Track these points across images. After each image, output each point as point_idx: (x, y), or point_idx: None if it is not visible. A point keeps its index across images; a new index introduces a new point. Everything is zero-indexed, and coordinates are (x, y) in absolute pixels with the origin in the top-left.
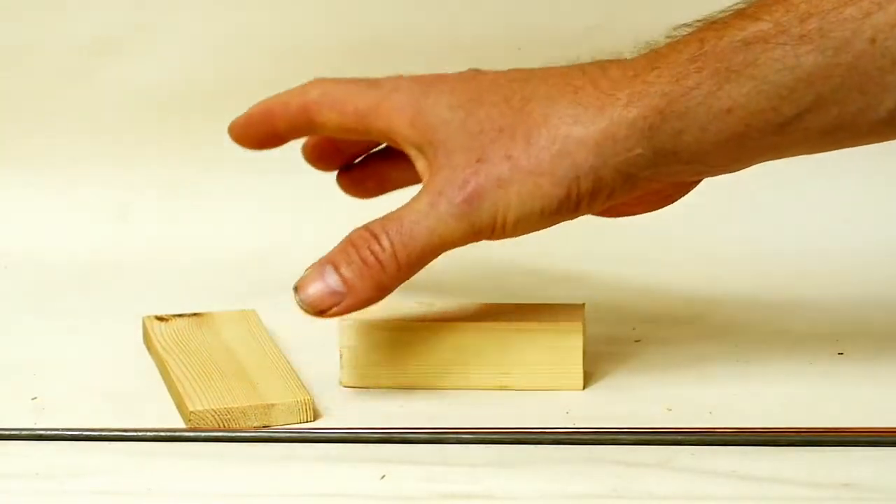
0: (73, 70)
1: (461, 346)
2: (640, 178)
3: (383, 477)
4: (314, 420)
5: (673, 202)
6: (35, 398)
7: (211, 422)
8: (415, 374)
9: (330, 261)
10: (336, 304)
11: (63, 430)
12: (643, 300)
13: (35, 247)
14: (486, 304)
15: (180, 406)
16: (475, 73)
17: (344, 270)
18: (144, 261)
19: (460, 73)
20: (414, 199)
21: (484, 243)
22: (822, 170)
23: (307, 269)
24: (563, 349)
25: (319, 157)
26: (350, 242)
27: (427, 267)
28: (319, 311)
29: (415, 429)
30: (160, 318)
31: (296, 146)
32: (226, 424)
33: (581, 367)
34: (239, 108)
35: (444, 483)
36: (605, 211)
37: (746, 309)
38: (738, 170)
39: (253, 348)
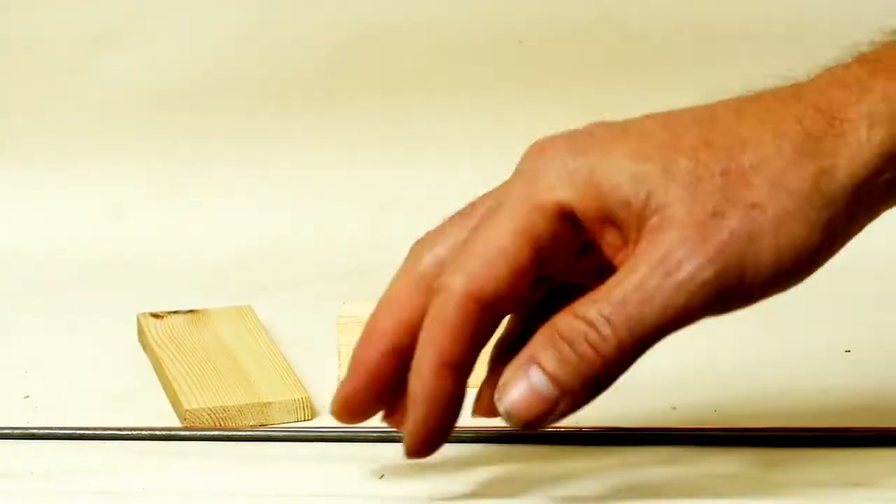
0: (67, 65)
1: None
2: (882, 207)
3: (382, 476)
4: (312, 418)
5: None
6: (28, 396)
7: (207, 420)
8: None
9: (532, 359)
10: (550, 412)
11: (57, 428)
12: None
13: (28, 243)
14: None
15: (175, 404)
16: (615, 124)
17: (555, 370)
18: (139, 257)
19: (592, 130)
20: (629, 271)
21: None
22: None
23: (504, 375)
24: None
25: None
26: (558, 336)
27: None
28: (532, 422)
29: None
30: (155, 315)
31: (279, 141)
32: (222, 423)
33: None
34: (237, 104)
35: (444, 483)
36: None
37: (752, 307)
38: None
39: (249, 345)
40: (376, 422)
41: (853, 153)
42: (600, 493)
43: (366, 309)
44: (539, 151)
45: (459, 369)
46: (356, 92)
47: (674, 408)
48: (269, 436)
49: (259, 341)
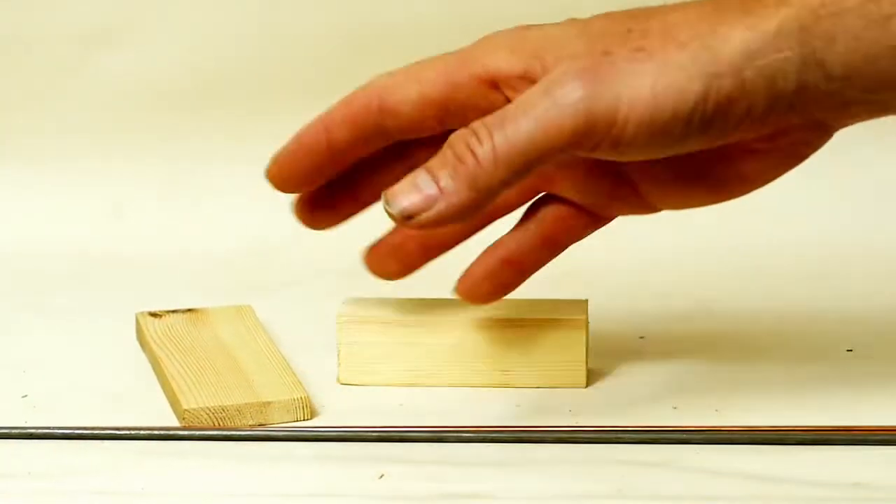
0: (66, 63)
1: (461, 342)
2: (781, 97)
3: (382, 476)
4: (311, 418)
5: (799, 162)
6: (26, 396)
7: (205, 420)
8: (414, 371)
9: (425, 167)
10: (427, 209)
11: (55, 428)
12: (648, 296)
13: (27, 242)
14: None
15: (174, 404)
16: (575, 20)
17: (437, 171)
18: (138, 256)
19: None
20: (524, 93)
21: None
22: (831, 162)
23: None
24: (567, 346)
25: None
26: (447, 144)
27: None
28: (408, 216)
29: (414, 428)
30: (154, 314)
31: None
32: (221, 423)
33: (584, 363)
34: (236, 103)
35: (444, 482)
36: (734, 155)
37: (754, 304)
38: (879, 112)
39: (248, 345)
40: (375, 421)
41: (753, 22)
42: (602, 493)
43: (365, 308)
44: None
45: (332, 136)
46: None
47: (675, 407)
48: (268, 435)
49: (258, 340)
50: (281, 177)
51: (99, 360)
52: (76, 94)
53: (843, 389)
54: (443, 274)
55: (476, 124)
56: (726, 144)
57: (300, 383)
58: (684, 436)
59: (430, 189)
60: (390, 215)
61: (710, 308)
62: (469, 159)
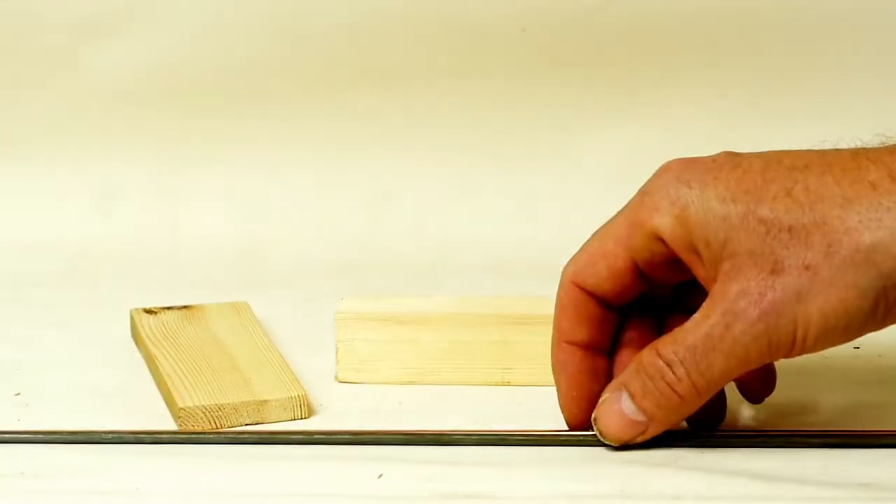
0: (56, 55)
1: (461, 340)
2: None
3: (380, 476)
4: (309, 417)
5: None
6: (18, 394)
7: (201, 419)
8: (413, 369)
9: (624, 386)
10: (639, 434)
11: (49, 432)
12: None
13: (17, 238)
14: (488, 297)
15: (170, 402)
16: (733, 157)
17: (641, 400)
18: (132, 252)
19: (714, 158)
20: (703, 316)
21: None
22: None
23: (603, 396)
24: None
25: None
26: (643, 370)
27: (425, 253)
28: (623, 442)
29: (414, 432)
30: (148, 311)
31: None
32: (217, 421)
33: None
34: (234, 98)
35: (444, 482)
36: None
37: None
38: None
39: (245, 342)
40: (374, 420)
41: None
42: (604, 492)
43: (363, 305)
44: (659, 173)
45: (577, 343)
46: (354, 84)
47: None
48: (264, 434)
49: (255, 338)
50: (583, 411)
51: (93, 358)
52: (66, 88)
53: (849, 389)
54: (441, 272)
55: (670, 357)
56: None
57: (297, 381)
58: (688, 435)
59: (640, 418)
60: (601, 437)
61: None
62: (670, 394)
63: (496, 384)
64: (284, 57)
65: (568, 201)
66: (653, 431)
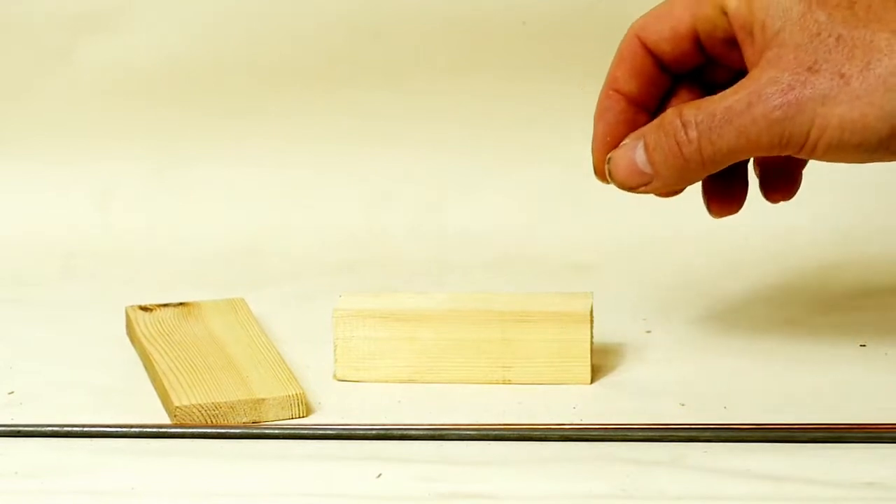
0: (52, 49)
1: (461, 337)
2: None
3: (379, 475)
4: (306, 415)
5: None
6: (12, 392)
7: (198, 417)
8: (412, 367)
9: (643, 136)
10: (643, 185)
11: (43, 426)
12: (654, 290)
13: (12, 234)
14: (488, 293)
15: (165, 401)
16: None
17: (652, 153)
18: (127, 248)
19: None
20: (732, 91)
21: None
22: None
23: (624, 141)
24: (570, 341)
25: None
26: (662, 125)
27: (424, 250)
28: (628, 188)
29: (413, 425)
30: (144, 308)
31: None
32: (213, 420)
33: (589, 359)
34: (231, 93)
35: (444, 482)
36: None
37: (763, 299)
38: None
39: (242, 339)
40: (372, 419)
41: None
42: (606, 492)
43: (362, 302)
44: None
45: (625, 94)
46: (353, 80)
47: (682, 404)
48: (262, 433)
49: (252, 335)
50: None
51: (87, 356)
52: (62, 83)
53: (855, 386)
54: (441, 269)
55: (689, 117)
56: None
57: (295, 379)
58: (691, 433)
59: (647, 169)
60: (610, 178)
61: (717, 302)
62: (677, 152)
63: (496, 382)
64: (283, 53)
65: (568, 198)
66: (656, 186)
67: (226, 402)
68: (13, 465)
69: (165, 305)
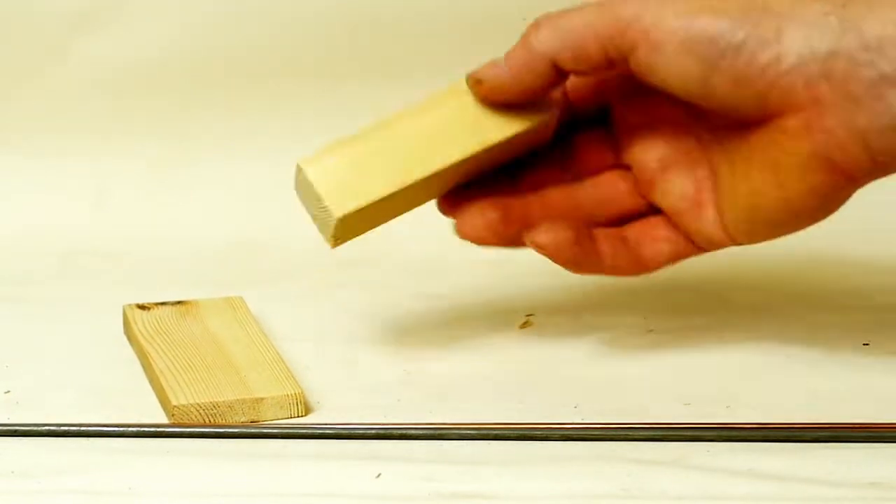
0: (47, 46)
1: (430, 126)
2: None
3: (379, 475)
4: (305, 415)
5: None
6: (8, 392)
7: (195, 417)
8: (397, 167)
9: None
10: (496, 78)
11: (39, 425)
12: (656, 288)
13: (7, 232)
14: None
15: (163, 400)
16: None
17: (508, 52)
18: (125, 246)
19: None
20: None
21: None
22: None
23: None
24: None
25: None
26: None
27: (425, 248)
28: (477, 79)
29: (413, 424)
30: (141, 307)
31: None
32: (211, 419)
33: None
34: (228, 89)
35: (444, 482)
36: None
37: (766, 297)
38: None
39: (240, 338)
40: (372, 418)
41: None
42: (608, 492)
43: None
44: None
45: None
46: (353, 76)
47: (685, 403)
48: (261, 433)
49: (250, 334)
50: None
51: (84, 355)
52: (59, 80)
53: (859, 385)
54: (439, 265)
55: (542, 19)
56: None
57: (294, 378)
58: (694, 433)
59: (500, 63)
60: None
61: (721, 301)
62: (522, 49)
63: (477, 151)
64: (282, 49)
65: None
66: (501, 73)
67: (224, 402)
68: (9, 464)
69: (163, 304)
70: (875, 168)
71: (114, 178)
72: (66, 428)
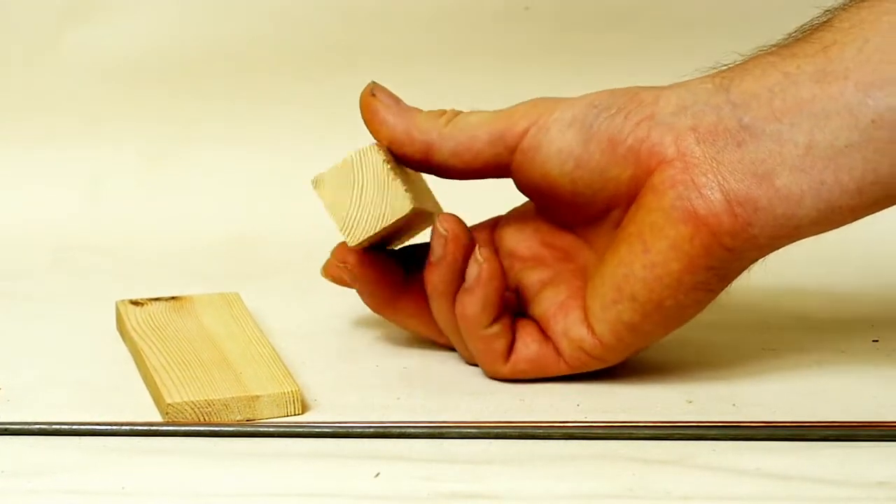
0: (39, 37)
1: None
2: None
3: (377, 475)
4: (302, 413)
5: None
6: None
7: (190, 415)
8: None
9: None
10: (379, 105)
11: (30, 423)
12: None
13: (0, 227)
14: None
15: (157, 398)
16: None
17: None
18: (118, 241)
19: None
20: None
21: None
22: None
23: None
24: None
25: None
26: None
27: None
28: (369, 92)
29: (412, 423)
30: (135, 303)
31: (267, 120)
32: (206, 418)
33: None
34: (223, 84)
35: (444, 481)
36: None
37: (773, 293)
38: None
39: (236, 335)
40: (371, 416)
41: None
42: (611, 491)
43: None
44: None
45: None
46: (350, 67)
47: (689, 401)
48: (256, 431)
49: (246, 330)
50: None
51: (76, 352)
52: (52, 72)
53: (867, 383)
54: None
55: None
56: None
57: (291, 376)
58: (699, 431)
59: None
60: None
61: (726, 297)
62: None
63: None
64: (277, 40)
65: None
66: (387, 117)
67: (219, 400)
68: (0, 463)
69: (157, 299)
70: (735, 224)
71: (107, 172)
72: (57, 426)
